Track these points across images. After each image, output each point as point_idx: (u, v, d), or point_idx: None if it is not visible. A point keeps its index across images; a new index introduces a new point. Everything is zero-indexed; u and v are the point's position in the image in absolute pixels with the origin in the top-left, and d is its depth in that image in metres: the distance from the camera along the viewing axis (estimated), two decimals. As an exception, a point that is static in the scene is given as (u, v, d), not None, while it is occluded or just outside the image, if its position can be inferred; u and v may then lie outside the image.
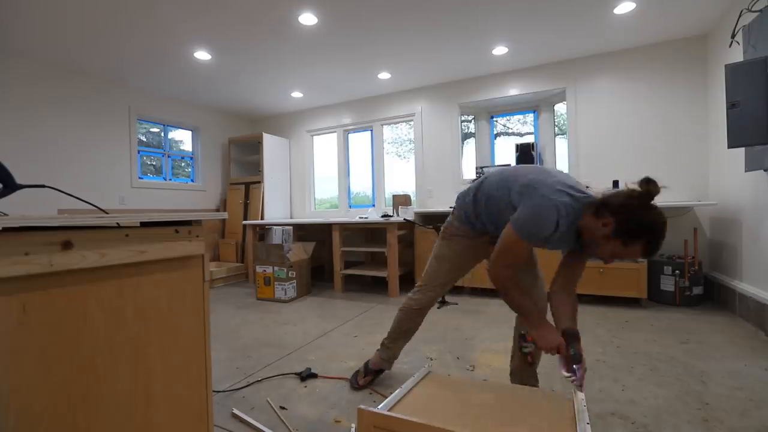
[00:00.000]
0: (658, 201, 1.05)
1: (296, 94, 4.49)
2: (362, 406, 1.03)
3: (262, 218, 4.66)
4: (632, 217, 1.04)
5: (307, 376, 1.77)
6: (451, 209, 1.53)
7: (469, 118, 4.35)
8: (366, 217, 3.79)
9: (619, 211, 1.05)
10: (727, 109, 2.11)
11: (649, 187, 1.05)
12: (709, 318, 2.55)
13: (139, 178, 4.16)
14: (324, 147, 5.14)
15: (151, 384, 0.90)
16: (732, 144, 2.12)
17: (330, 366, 1.93)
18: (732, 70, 2.10)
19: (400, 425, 1.00)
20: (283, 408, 1.50)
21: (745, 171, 2.32)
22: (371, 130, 4.77)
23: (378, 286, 3.94)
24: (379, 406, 1.05)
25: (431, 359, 1.97)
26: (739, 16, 2.42)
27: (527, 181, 1.18)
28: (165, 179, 4.49)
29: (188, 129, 4.79)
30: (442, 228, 1.55)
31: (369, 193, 4.86)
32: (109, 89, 3.86)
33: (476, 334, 2.34)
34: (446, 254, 1.50)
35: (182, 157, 4.75)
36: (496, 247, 1.21)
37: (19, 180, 0.97)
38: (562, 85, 3.67)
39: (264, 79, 3.96)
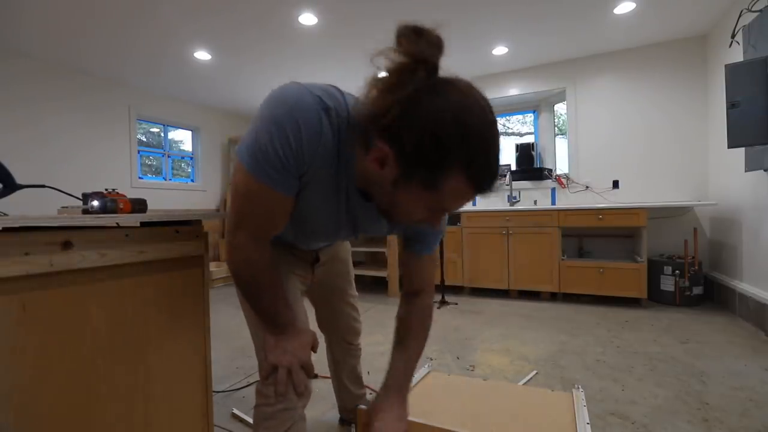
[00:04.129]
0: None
1: (296, 94, 4.48)
2: (362, 406, 1.03)
3: (262, 218, 4.65)
4: (424, 123, 0.52)
5: (307, 376, 1.77)
6: None
7: (469, 118, 4.35)
8: (366, 217, 3.78)
9: (391, 126, 0.54)
10: (727, 109, 2.11)
11: (424, 49, 0.53)
12: (709, 318, 2.55)
13: (139, 178, 4.16)
14: (324, 147, 5.13)
15: (151, 384, 0.90)
16: (732, 144, 2.12)
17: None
18: (732, 70, 2.10)
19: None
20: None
21: (745, 171, 2.32)
22: (371, 130, 4.76)
23: (378, 286, 3.94)
24: None
25: (431, 359, 1.97)
26: (739, 16, 2.42)
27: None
28: (165, 179, 4.48)
29: (188, 129, 4.79)
30: None
31: (369, 193, 4.85)
32: (109, 89, 3.86)
33: (476, 334, 2.34)
34: None
35: (182, 157, 4.74)
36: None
37: (19, 179, 0.97)
38: (562, 85, 3.67)
39: (264, 79, 3.95)
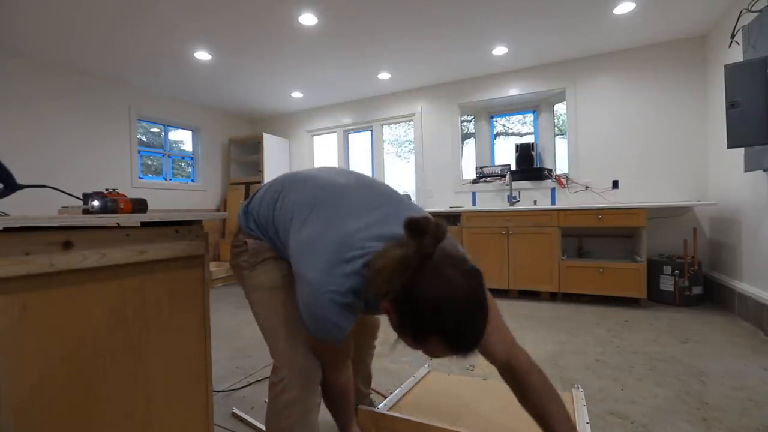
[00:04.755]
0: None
1: (296, 94, 4.49)
2: (362, 406, 1.03)
3: (262, 218, 4.66)
4: (406, 301, 0.68)
5: (307, 375, 1.77)
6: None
7: (469, 118, 4.35)
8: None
9: (388, 291, 0.70)
10: (727, 109, 2.11)
11: (421, 235, 0.67)
12: (709, 318, 2.55)
13: (140, 178, 4.16)
14: (324, 147, 5.14)
15: (151, 383, 0.90)
16: (731, 144, 2.12)
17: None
18: (731, 70, 2.10)
19: (401, 424, 1.00)
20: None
21: (745, 171, 2.33)
22: (371, 131, 4.77)
23: (378, 286, 3.94)
24: (379, 406, 1.05)
25: (431, 359, 1.97)
26: (739, 16, 2.42)
27: (301, 242, 0.82)
28: (165, 179, 4.49)
29: (188, 129, 4.79)
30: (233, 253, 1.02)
31: (369, 193, 4.85)
32: (110, 89, 3.86)
33: (476, 334, 2.34)
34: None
35: (182, 157, 4.75)
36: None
37: (19, 179, 0.97)
38: (562, 85, 3.67)
39: (264, 79, 3.96)
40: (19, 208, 3.07)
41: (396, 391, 1.13)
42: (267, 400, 0.92)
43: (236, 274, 1.01)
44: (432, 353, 0.71)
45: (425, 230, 0.66)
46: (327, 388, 0.93)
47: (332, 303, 0.75)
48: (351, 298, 0.76)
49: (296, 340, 0.89)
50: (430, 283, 0.66)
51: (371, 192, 0.88)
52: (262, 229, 0.95)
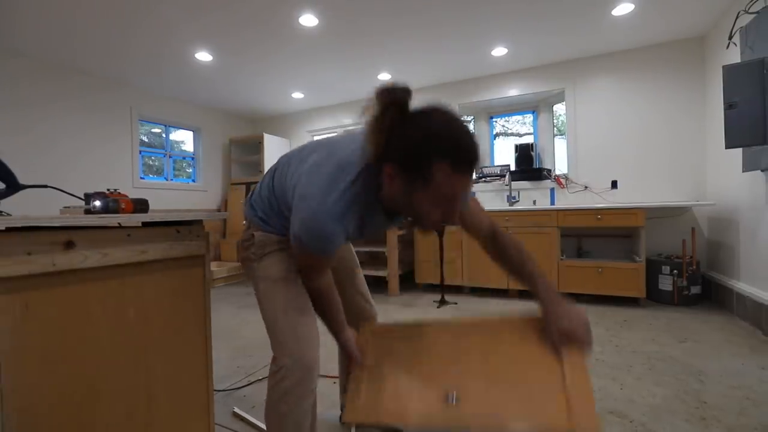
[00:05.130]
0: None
1: (297, 95, 4.50)
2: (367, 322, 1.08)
3: (262, 218, 4.67)
4: (404, 140, 0.72)
5: (306, 375, 1.77)
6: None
7: (469, 118, 4.36)
8: (366, 218, 3.79)
9: (386, 149, 0.75)
10: (725, 109, 2.12)
11: (386, 93, 0.73)
12: (707, 317, 2.56)
13: (141, 178, 4.17)
14: (324, 147, 5.15)
15: (152, 383, 0.91)
16: (729, 144, 2.13)
17: (330, 365, 1.93)
18: (729, 71, 2.11)
19: (397, 330, 1.02)
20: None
21: (743, 171, 2.33)
22: (371, 131, 4.78)
23: (378, 286, 3.94)
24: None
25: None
26: (737, 17, 2.43)
27: (301, 173, 0.88)
28: (166, 179, 4.49)
29: (189, 129, 4.80)
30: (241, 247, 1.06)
31: (369, 193, 4.87)
32: (111, 90, 3.86)
33: (475, 334, 2.35)
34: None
35: (183, 158, 4.75)
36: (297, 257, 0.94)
37: (21, 179, 0.98)
38: (561, 85, 3.68)
39: (265, 79, 3.96)
40: (21, 208, 3.08)
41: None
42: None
43: (245, 268, 1.03)
44: (444, 192, 0.73)
45: (389, 89, 0.74)
46: (312, 292, 0.98)
47: (330, 215, 0.79)
48: (349, 212, 0.81)
49: (297, 330, 0.93)
50: (414, 122, 0.73)
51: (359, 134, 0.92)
52: (267, 211, 0.99)
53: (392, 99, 0.73)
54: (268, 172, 1.07)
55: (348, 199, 0.80)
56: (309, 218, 0.80)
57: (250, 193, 1.08)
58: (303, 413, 0.93)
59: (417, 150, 0.71)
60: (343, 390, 1.35)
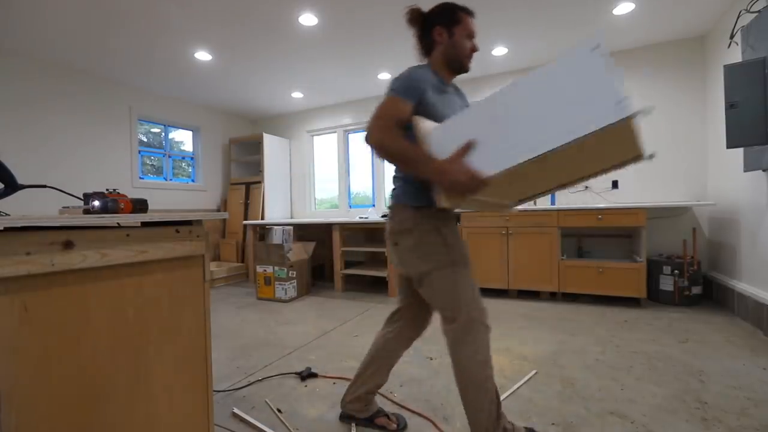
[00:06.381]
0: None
1: (296, 95, 4.49)
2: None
3: (262, 218, 4.67)
4: (438, 12, 1.20)
5: (307, 375, 1.77)
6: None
7: (469, 118, 4.35)
8: (366, 217, 3.79)
9: (430, 25, 1.21)
10: (726, 109, 2.11)
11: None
12: (708, 317, 2.56)
13: (140, 178, 4.16)
14: (324, 147, 5.15)
15: (151, 383, 0.90)
16: (730, 144, 2.12)
17: (330, 365, 1.93)
18: (730, 71, 2.10)
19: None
20: (279, 411, 1.51)
21: (744, 171, 2.33)
22: (371, 131, 4.77)
23: (378, 286, 3.94)
24: None
25: (431, 359, 1.97)
26: (738, 16, 2.43)
27: None
28: (166, 179, 4.49)
29: (189, 129, 4.80)
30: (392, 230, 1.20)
31: (369, 193, 4.86)
32: (110, 89, 3.86)
33: (476, 334, 2.35)
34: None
35: (183, 158, 4.75)
36: (372, 115, 1.06)
37: (20, 179, 0.97)
38: (562, 85, 3.67)
39: (264, 79, 3.96)
40: (20, 208, 3.07)
41: None
42: (452, 350, 1.16)
43: (401, 247, 1.18)
44: (469, 28, 1.19)
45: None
46: (396, 142, 1.05)
47: (414, 68, 1.13)
48: (427, 72, 1.14)
49: (473, 292, 1.14)
50: (434, 7, 1.22)
51: None
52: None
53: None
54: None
55: (424, 68, 1.15)
56: (400, 73, 1.11)
57: (395, 175, 1.27)
58: (489, 356, 1.14)
59: (447, 10, 1.19)
60: (361, 381, 1.35)
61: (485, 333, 1.13)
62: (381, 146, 1.02)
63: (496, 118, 0.90)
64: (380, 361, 1.34)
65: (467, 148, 0.92)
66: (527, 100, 0.87)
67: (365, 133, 1.06)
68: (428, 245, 1.14)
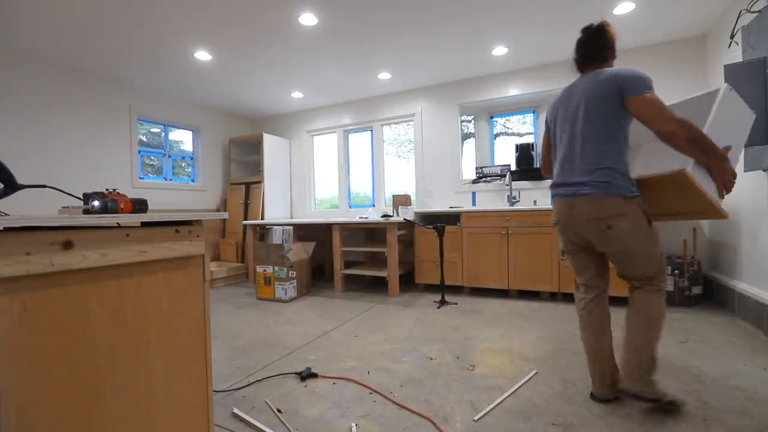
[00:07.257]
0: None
1: (296, 95, 4.49)
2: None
3: (262, 218, 4.67)
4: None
5: (307, 375, 1.77)
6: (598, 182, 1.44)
7: (469, 118, 4.36)
8: (366, 217, 3.79)
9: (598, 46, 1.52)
10: (727, 109, 2.10)
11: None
12: (709, 317, 2.56)
13: (140, 178, 4.16)
14: (324, 147, 5.15)
15: (151, 383, 0.90)
16: (731, 144, 2.12)
17: (330, 366, 1.93)
18: (731, 71, 2.10)
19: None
20: (279, 411, 1.51)
21: (744, 171, 2.33)
22: (371, 131, 4.78)
23: (378, 286, 3.94)
24: None
25: (431, 359, 1.97)
26: (738, 16, 2.42)
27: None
28: (165, 179, 4.49)
29: (189, 129, 4.80)
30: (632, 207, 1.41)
31: (369, 193, 4.86)
32: (110, 89, 3.86)
33: (476, 334, 2.35)
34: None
35: (183, 157, 4.75)
36: (650, 113, 1.27)
37: (20, 179, 0.97)
38: (562, 85, 3.67)
39: (264, 79, 3.96)
40: (20, 208, 3.07)
41: None
42: (646, 301, 1.42)
43: (615, 230, 1.38)
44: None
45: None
46: (686, 122, 1.26)
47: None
48: None
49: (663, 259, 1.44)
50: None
51: None
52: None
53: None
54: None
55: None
56: (638, 73, 1.34)
57: (623, 164, 1.49)
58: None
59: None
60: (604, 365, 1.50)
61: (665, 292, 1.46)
62: (690, 128, 1.20)
63: (723, 128, 1.30)
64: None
65: (727, 150, 1.27)
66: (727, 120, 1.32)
67: (658, 122, 1.25)
68: (644, 227, 1.38)
